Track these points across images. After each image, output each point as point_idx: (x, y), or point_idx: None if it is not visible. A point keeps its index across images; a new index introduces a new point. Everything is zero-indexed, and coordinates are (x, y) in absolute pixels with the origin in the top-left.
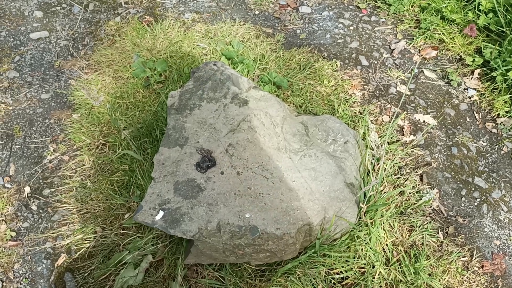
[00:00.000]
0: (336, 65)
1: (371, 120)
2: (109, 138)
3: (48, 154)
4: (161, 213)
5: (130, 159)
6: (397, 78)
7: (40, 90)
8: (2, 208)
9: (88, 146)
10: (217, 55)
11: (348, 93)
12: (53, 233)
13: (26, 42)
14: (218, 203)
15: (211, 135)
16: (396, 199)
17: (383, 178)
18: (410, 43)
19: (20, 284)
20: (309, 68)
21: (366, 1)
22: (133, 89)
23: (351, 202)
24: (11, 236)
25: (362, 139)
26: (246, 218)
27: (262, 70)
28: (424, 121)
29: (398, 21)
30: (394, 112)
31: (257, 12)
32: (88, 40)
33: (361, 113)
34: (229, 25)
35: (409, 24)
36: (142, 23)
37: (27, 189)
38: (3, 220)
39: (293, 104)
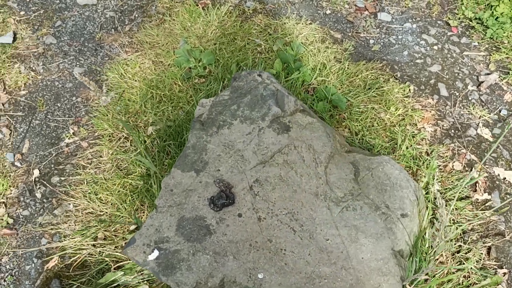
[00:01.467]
0: (409, 89)
1: (439, 167)
2: (133, 131)
3: (67, 136)
4: (156, 253)
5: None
6: (480, 118)
7: (74, 62)
8: (6, 189)
9: (109, 136)
10: (272, 55)
11: (416, 127)
12: (51, 229)
13: (71, 6)
14: (227, 253)
15: (235, 165)
16: (453, 273)
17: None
18: (504, 78)
19: (4, 281)
20: (376, 88)
21: (459, 18)
22: (171, 79)
23: (395, 279)
24: (8, 223)
25: (425, 191)
26: (258, 280)
27: (320, 82)
28: (504, 178)
29: (494, 49)
30: (469, 160)
31: (328, 12)
32: (136, 15)
33: (428, 154)
34: (293, 22)
35: (506, 54)
36: (198, 5)
37: (36, 173)
38: (3, 203)
39: (348, 129)
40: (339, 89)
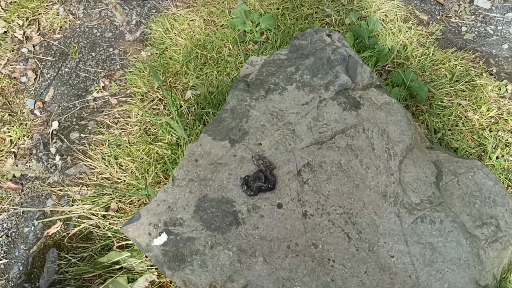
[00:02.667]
0: (506, 89)
1: None
2: (169, 93)
3: (96, 90)
4: (164, 237)
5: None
6: None
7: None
8: (19, 138)
9: (142, 96)
10: (343, 28)
11: None
12: (60, 190)
13: None
14: (256, 253)
15: (283, 140)
16: None
17: None
18: None
19: None
20: (466, 82)
21: None
22: (221, 41)
23: None
24: (14, 176)
25: None
26: None
27: (397, 65)
28: None
29: None
30: None
31: None
32: None
33: None
34: None
35: None
36: None
37: (55, 125)
38: (13, 153)
39: (426, 125)
40: (420, 77)
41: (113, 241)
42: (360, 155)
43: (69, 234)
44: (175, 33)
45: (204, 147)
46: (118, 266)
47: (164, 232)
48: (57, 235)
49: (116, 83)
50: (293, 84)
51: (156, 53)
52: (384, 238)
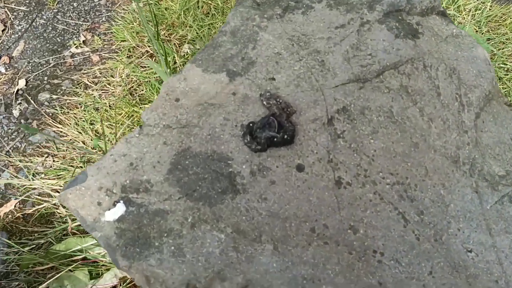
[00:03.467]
0: None
1: None
2: (161, 45)
3: (75, 45)
4: (120, 208)
5: None
6: None
7: None
8: None
9: (130, 51)
10: None
11: None
12: (20, 160)
13: None
14: (263, 238)
15: (308, 74)
16: None
17: None
18: None
19: None
20: None
21: None
22: None
23: None
24: None
25: None
26: None
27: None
28: None
29: None
30: None
31: None
32: None
33: None
34: None
35: None
36: None
37: (21, 83)
38: None
39: None
40: (478, 32)
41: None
42: (420, 101)
43: (25, 215)
44: None
45: (190, 82)
46: (81, 256)
47: (121, 201)
48: (10, 216)
49: (99, 38)
50: (322, 1)
51: (151, 3)
52: (457, 222)
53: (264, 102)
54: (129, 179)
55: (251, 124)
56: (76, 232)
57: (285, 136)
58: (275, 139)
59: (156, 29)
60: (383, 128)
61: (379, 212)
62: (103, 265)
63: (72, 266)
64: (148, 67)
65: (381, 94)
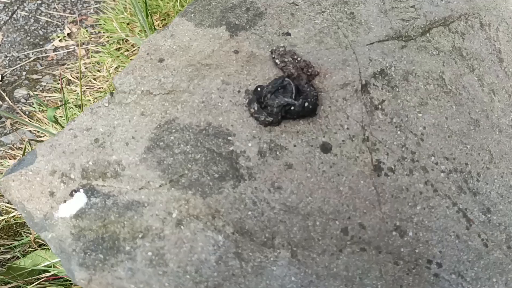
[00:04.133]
0: None
1: None
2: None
3: (59, 38)
4: (80, 199)
5: None
6: None
7: None
8: None
9: (119, 43)
10: None
11: None
12: None
13: None
14: (276, 241)
15: (333, 29)
16: None
17: None
18: None
19: None
20: None
21: None
22: None
23: None
24: None
25: None
26: None
27: None
28: None
29: None
30: None
31: None
32: None
33: None
34: None
35: None
36: None
37: None
38: None
39: None
40: None
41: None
42: (479, 67)
43: None
44: None
45: (179, 39)
46: (49, 274)
47: (82, 190)
48: None
49: (86, 30)
50: None
51: None
52: None
53: (277, 61)
54: (92, 160)
55: (259, 89)
56: (45, 242)
57: (306, 104)
58: (292, 108)
59: (149, 18)
60: (434, 99)
61: (433, 208)
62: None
63: (38, 285)
64: None
65: (429, 56)
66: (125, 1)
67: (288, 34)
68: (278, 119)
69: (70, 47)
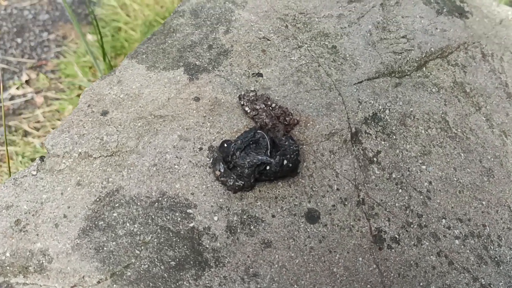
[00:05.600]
0: None
1: None
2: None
3: (15, 85)
4: None
5: None
6: None
7: None
8: None
9: (81, 89)
10: None
11: None
12: None
13: None
14: None
15: (311, 66)
16: None
17: None
18: None
19: None
20: None
21: None
22: None
23: None
24: None
25: None
26: None
27: None
28: None
29: None
30: None
31: None
32: None
33: None
34: None
35: None
36: None
37: None
38: None
39: None
40: None
41: None
42: (485, 105)
43: None
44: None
45: (128, 85)
46: None
47: None
48: None
49: (46, 76)
50: None
51: (108, 34)
52: None
53: (247, 108)
54: (10, 250)
55: (225, 145)
56: None
57: (284, 162)
58: (268, 168)
59: (113, 61)
60: (438, 146)
61: (450, 287)
62: None
63: None
64: None
65: (428, 95)
66: (87, 43)
67: (260, 74)
68: (250, 182)
69: (27, 95)
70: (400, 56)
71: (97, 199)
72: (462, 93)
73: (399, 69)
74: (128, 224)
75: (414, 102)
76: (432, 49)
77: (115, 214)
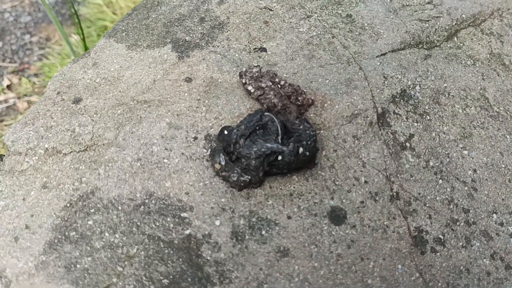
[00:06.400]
0: None
1: None
2: None
3: None
4: None
5: None
6: None
7: None
8: None
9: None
10: None
11: None
12: None
13: None
14: None
15: (324, 38)
16: None
17: None
18: None
19: None
20: None
21: None
22: None
23: None
24: None
25: None
26: None
27: None
28: None
29: None
30: None
31: None
32: None
33: None
34: None
35: None
36: None
37: None
38: None
39: None
40: None
41: None
42: None
43: None
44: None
45: (105, 68)
46: None
47: None
48: None
49: (29, 80)
50: None
51: (93, 35)
52: None
53: (250, 87)
54: None
55: (225, 132)
56: None
57: (300, 150)
58: (280, 158)
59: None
60: (479, 127)
61: None
62: None
63: None
64: None
65: (463, 68)
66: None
67: (263, 49)
68: (259, 177)
69: (9, 100)
70: (427, 24)
71: (68, 204)
72: (500, 65)
73: (427, 39)
74: (107, 234)
75: (448, 76)
76: (463, 15)
77: (90, 222)
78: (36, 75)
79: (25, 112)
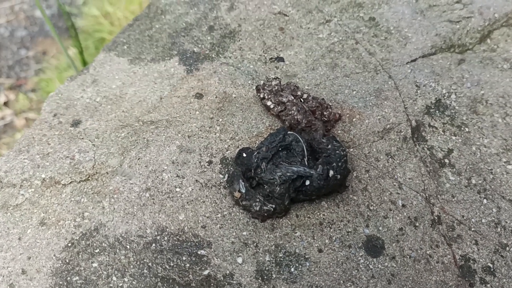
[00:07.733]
0: None
1: None
2: None
3: None
4: None
5: None
6: None
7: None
8: None
9: None
10: None
11: None
12: None
13: None
14: None
15: (347, 44)
16: None
17: None
18: None
19: None
20: None
21: None
22: None
23: None
24: None
25: None
26: None
27: None
28: None
29: None
30: None
31: None
32: None
33: None
34: None
35: None
36: None
37: None
38: None
39: None
40: None
41: None
42: None
43: None
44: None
45: (106, 85)
46: None
47: None
48: None
49: (26, 96)
50: None
51: (90, 47)
52: None
53: (269, 103)
54: None
55: (244, 154)
56: None
57: (331, 174)
58: (308, 183)
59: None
60: None
61: None
62: None
63: None
64: None
65: (499, 73)
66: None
67: (280, 59)
68: (284, 205)
69: (6, 117)
70: (458, 26)
71: (69, 244)
72: None
73: (459, 42)
74: (114, 278)
75: (485, 82)
76: (496, 15)
77: (95, 265)
78: (33, 90)
79: (22, 131)
